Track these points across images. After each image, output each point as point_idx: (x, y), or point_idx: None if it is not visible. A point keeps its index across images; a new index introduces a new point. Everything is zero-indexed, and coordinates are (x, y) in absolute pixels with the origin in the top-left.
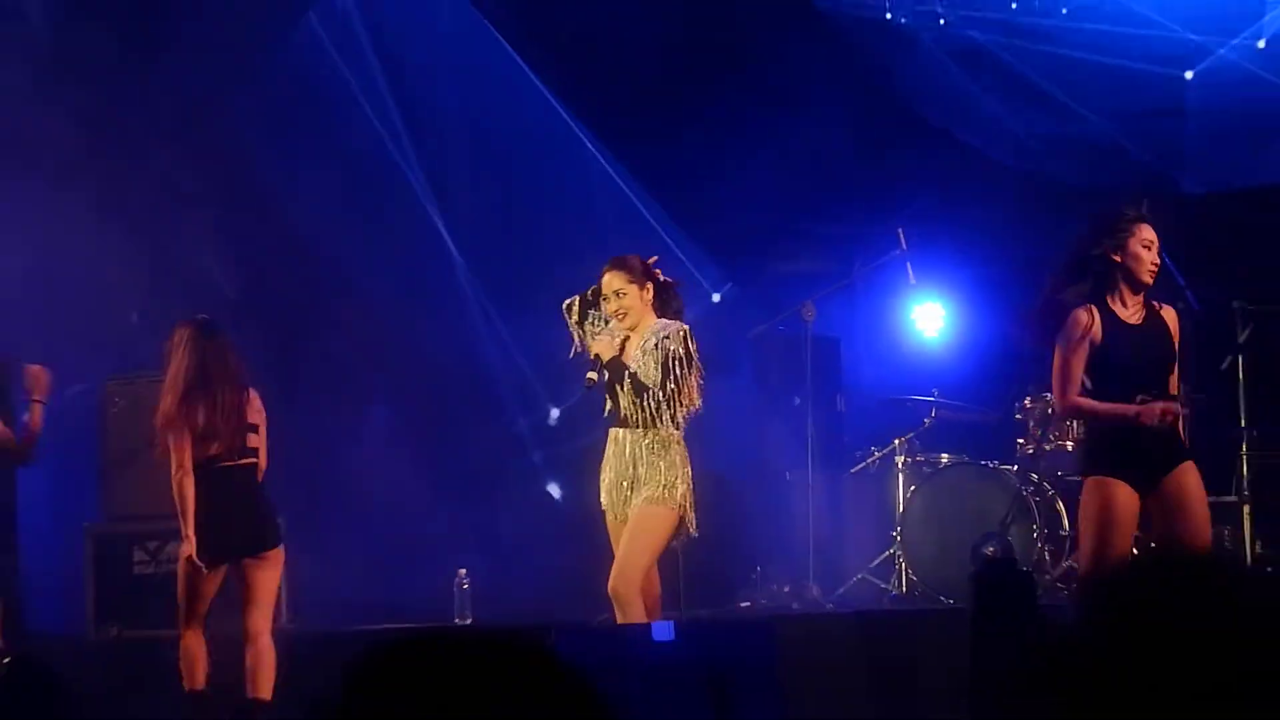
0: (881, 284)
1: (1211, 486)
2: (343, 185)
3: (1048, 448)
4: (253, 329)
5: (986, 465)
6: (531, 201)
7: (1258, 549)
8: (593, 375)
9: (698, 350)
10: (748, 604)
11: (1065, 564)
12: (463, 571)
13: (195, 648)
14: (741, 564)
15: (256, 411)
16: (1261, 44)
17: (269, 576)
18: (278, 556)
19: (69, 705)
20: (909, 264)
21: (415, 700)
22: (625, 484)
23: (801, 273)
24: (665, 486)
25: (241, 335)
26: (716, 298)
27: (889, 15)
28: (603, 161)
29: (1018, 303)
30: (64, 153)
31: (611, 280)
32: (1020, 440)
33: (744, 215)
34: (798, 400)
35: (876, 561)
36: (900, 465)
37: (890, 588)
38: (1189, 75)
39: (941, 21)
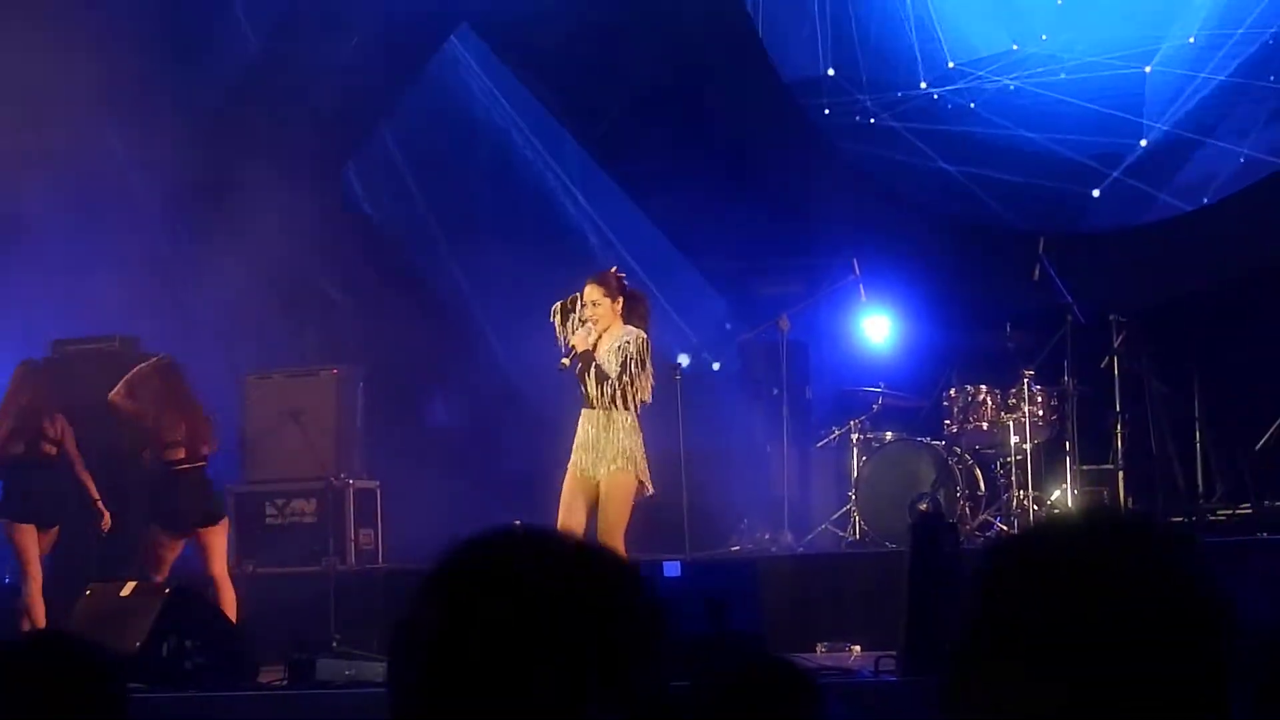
0: (840, 301)
1: (1094, 457)
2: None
3: (968, 427)
4: (359, 332)
5: (920, 441)
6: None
7: (1130, 504)
8: (565, 361)
9: (651, 356)
10: (736, 547)
11: (981, 516)
12: (517, 524)
13: None
14: (731, 516)
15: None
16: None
17: (220, 540)
18: (225, 525)
19: (218, 622)
20: (861, 285)
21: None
22: (589, 450)
23: (778, 294)
24: (625, 459)
25: (346, 332)
26: (716, 366)
27: (827, 111)
28: (633, 205)
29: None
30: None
31: (591, 291)
32: (946, 421)
33: (734, 251)
34: (775, 390)
35: (836, 515)
36: (854, 441)
37: (847, 535)
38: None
39: (871, 120)
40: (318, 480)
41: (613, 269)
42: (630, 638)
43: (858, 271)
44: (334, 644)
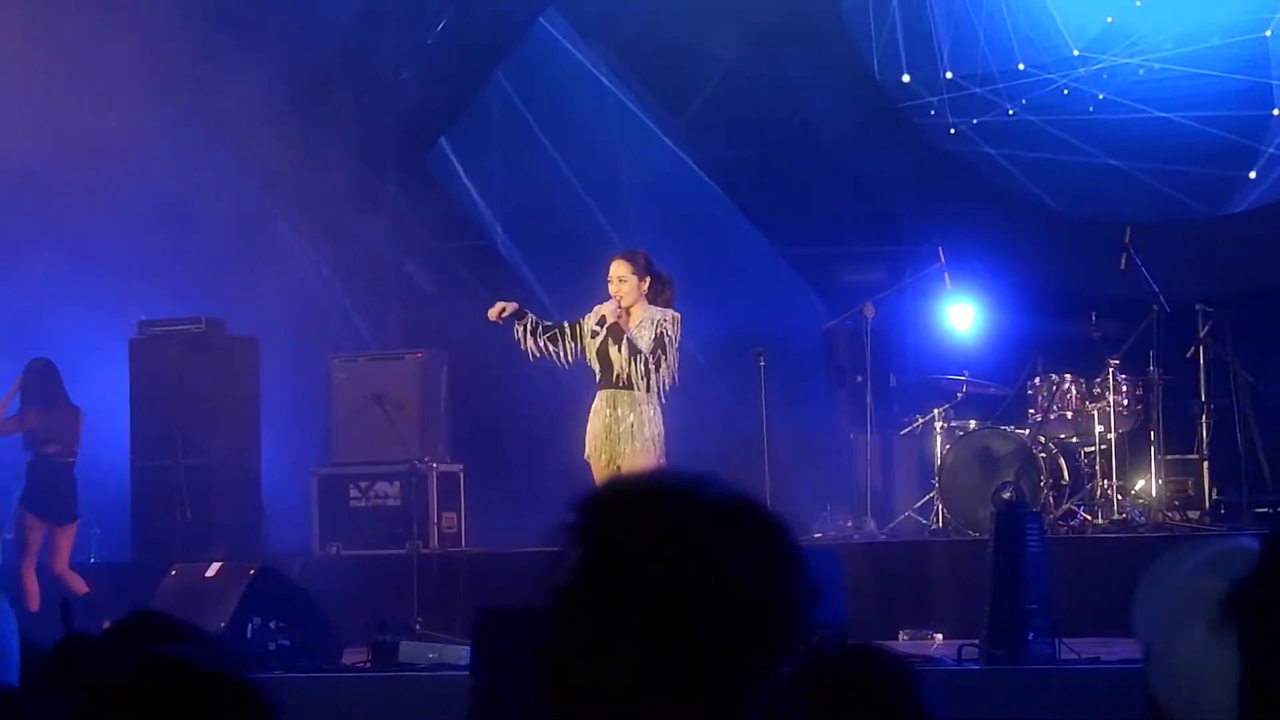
0: (925, 288)
1: (1179, 447)
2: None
3: (1052, 417)
4: (443, 316)
5: (1004, 429)
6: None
7: (1215, 495)
8: (595, 327)
9: (680, 337)
10: (819, 535)
11: (1065, 506)
12: None
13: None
14: (814, 504)
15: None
16: None
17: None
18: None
19: (302, 604)
20: (946, 273)
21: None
22: (610, 435)
23: (863, 281)
24: (649, 440)
25: (432, 315)
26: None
27: (933, 113)
28: (719, 192)
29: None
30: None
31: (618, 267)
32: (1031, 410)
33: (820, 238)
34: (859, 378)
35: (919, 503)
36: (938, 429)
37: (930, 523)
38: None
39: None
40: (402, 463)
41: (640, 251)
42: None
43: (943, 259)
44: (416, 627)
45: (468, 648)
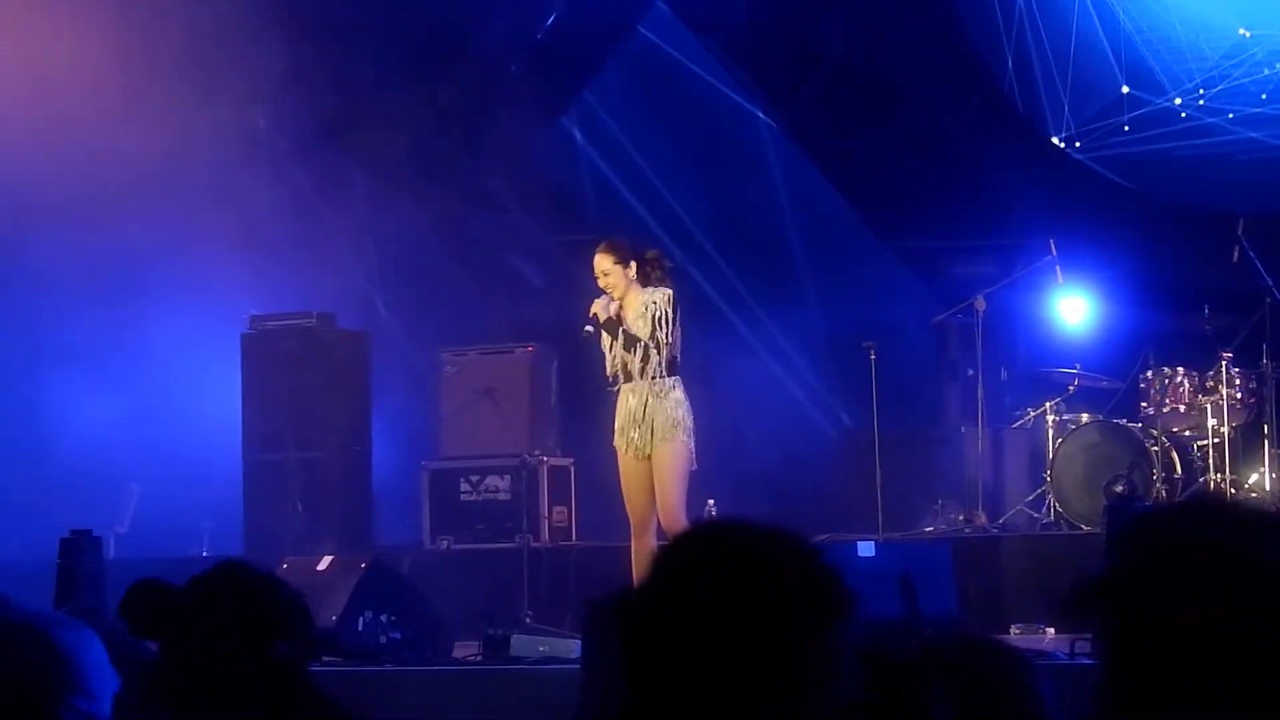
0: (1036, 282)
1: None
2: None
3: (1165, 410)
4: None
5: (1117, 423)
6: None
7: None
8: (588, 329)
9: (678, 313)
10: (930, 528)
11: (1177, 500)
12: (711, 502)
13: None
14: (925, 497)
15: None
16: None
17: None
18: None
19: (413, 597)
20: (1057, 266)
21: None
22: (634, 427)
23: (973, 274)
24: (672, 427)
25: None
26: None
27: (1078, 144)
28: (827, 184)
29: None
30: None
31: (601, 261)
32: (1143, 403)
33: (929, 231)
34: (970, 371)
35: (1031, 497)
36: (1050, 423)
37: (1041, 517)
38: None
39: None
40: (512, 457)
41: (618, 238)
42: (823, 609)
43: (1054, 252)
44: (526, 620)
45: (578, 641)
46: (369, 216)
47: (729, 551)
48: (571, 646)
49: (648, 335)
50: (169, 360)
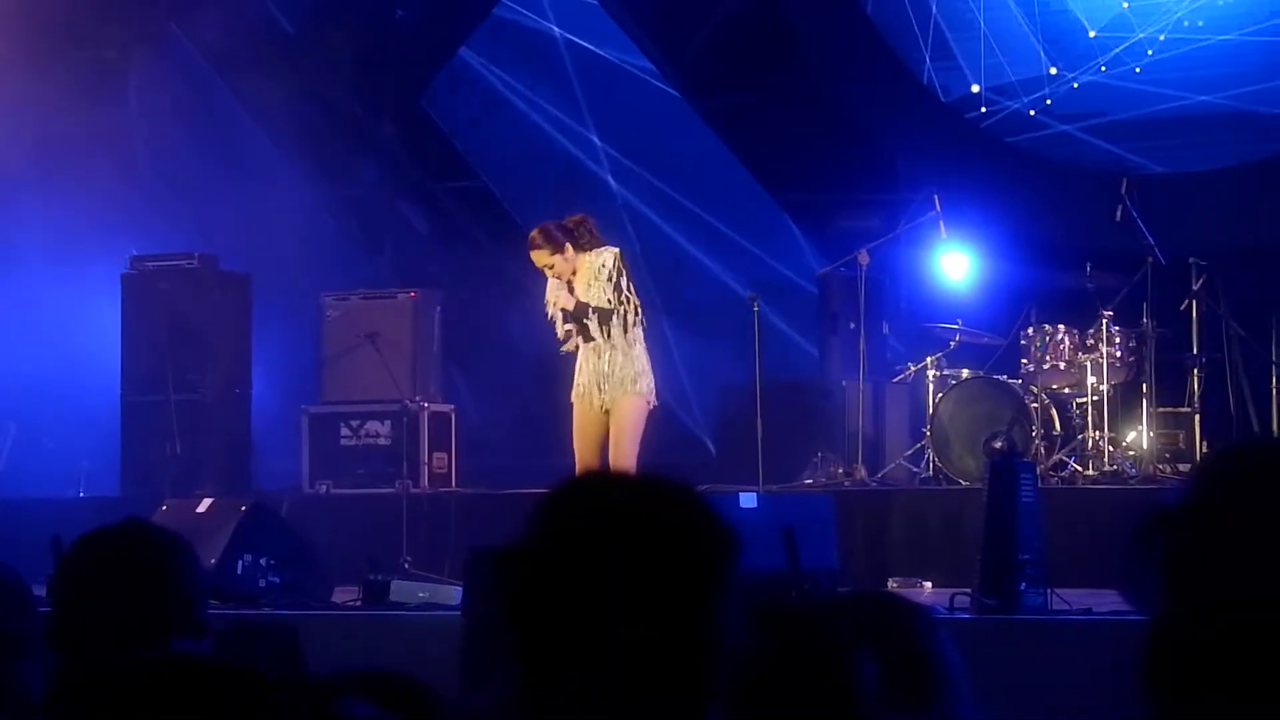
0: (920, 237)
1: (1171, 400)
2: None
3: (1045, 367)
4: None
5: (997, 379)
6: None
7: (1205, 448)
8: (567, 328)
9: (629, 266)
10: (810, 481)
11: (1056, 456)
12: None
13: None
14: (806, 451)
15: None
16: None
17: None
18: None
19: (293, 541)
20: (941, 221)
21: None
22: (595, 381)
23: (858, 228)
24: (633, 380)
25: (425, 254)
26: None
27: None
28: (714, 137)
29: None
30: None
31: (538, 257)
32: (1023, 360)
33: (814, 185)
34: (852, 325)
35: (910, 451)
36: (930, 378)
37: (921, 471)
38: None
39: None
40: (393, 403)
41: (540, 227)
42: (711, 557)
43: (939, 208)
44: (405, 565)
45: (459, 588)
46: (253, 159)
47: (612, 502)
48: (452, 594)
49: (606, 299)
50: (46, 300)
